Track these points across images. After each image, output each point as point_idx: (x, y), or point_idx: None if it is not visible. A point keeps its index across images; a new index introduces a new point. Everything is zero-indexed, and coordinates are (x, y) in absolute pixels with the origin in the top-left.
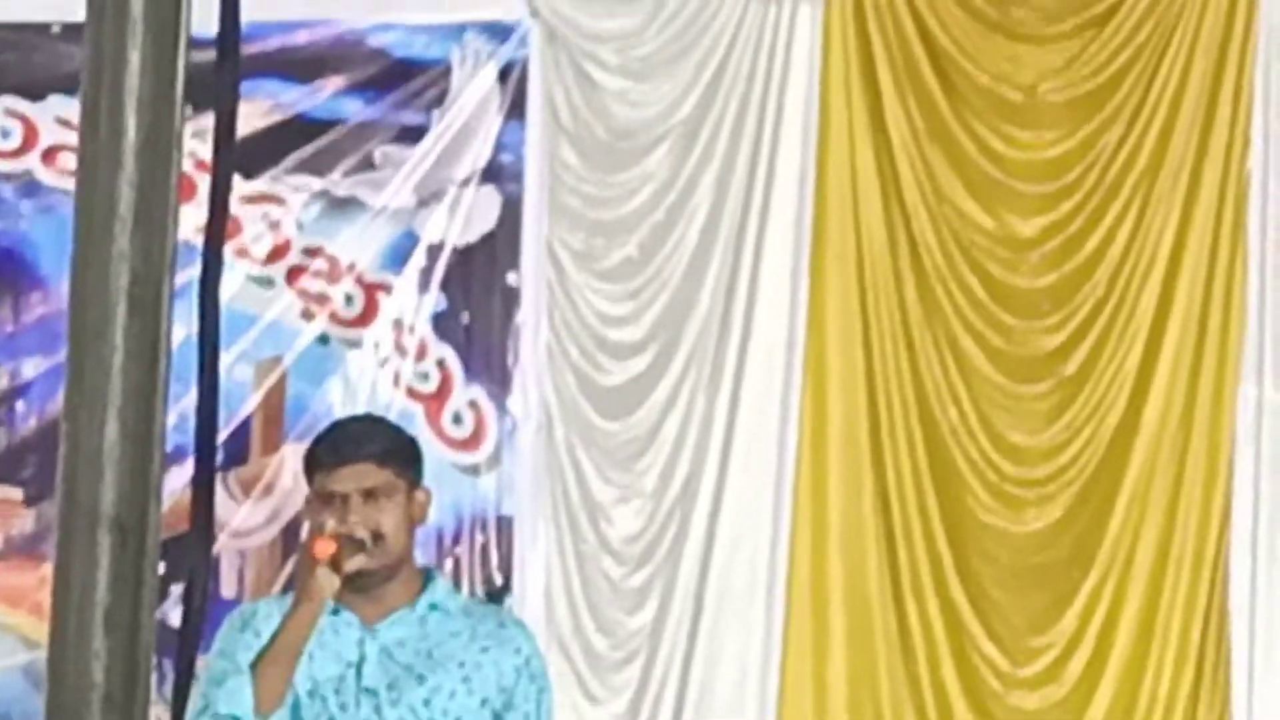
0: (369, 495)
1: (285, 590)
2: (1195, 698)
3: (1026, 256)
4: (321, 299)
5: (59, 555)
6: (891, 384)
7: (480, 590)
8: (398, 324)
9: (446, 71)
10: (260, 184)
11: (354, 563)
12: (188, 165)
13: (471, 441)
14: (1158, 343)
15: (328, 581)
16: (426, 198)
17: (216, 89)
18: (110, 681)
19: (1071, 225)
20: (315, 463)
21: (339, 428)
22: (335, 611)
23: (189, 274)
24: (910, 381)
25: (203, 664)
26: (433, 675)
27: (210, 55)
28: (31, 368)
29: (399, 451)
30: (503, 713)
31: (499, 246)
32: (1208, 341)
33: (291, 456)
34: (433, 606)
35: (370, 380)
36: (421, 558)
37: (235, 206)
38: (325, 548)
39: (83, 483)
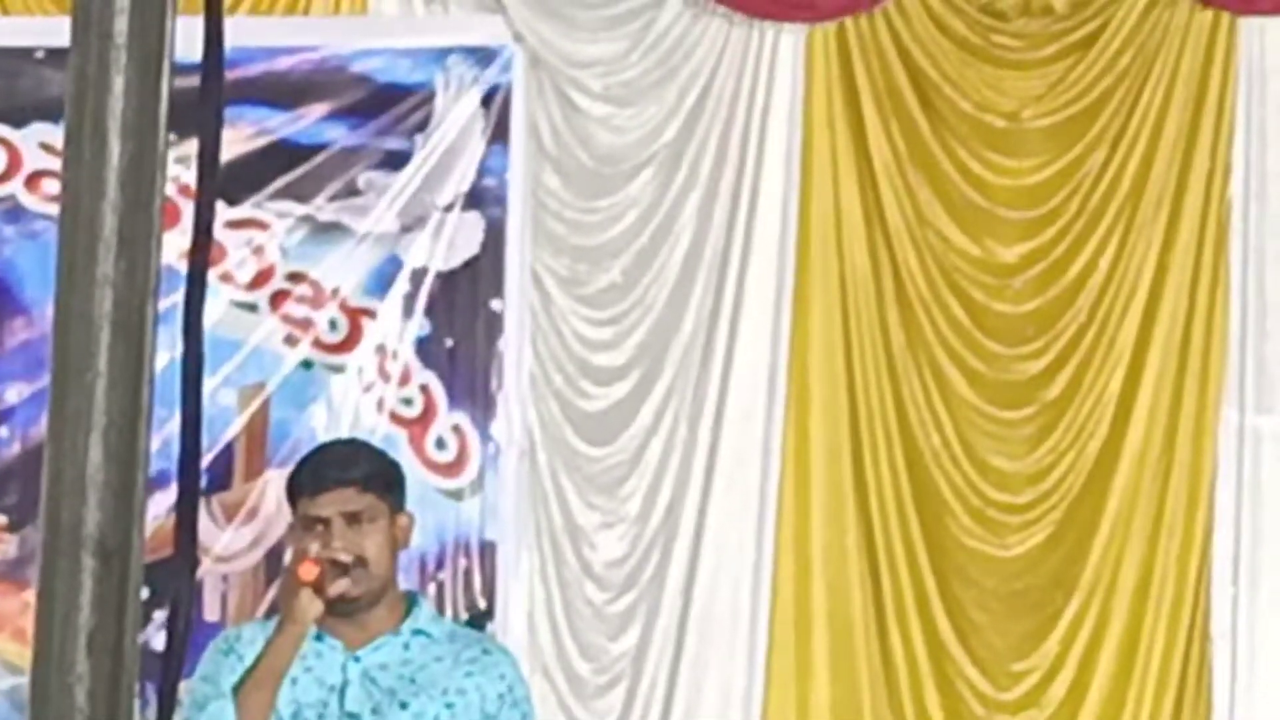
0: (352, 520)
1: (269, 615)
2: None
3: (1009, 282)
4: (305, 324)
5: (42, 579)
6: (874, 409)
7: (463, 615)
8: (381, 349)
9: (430, 97)
10: (244, 209)
11: (337, 587)
12: (171, 190)
13: (455, 466)
14: (1140, 368)
15: (311, 605)
16: (410, 223)
17: (200, 114)
18: (94, 706)
19: (1054, 251)
20: (298, 487)
21: (321, 452)
22: (319, 637)
23: (173, 299)
24: (893, 407)
25: (185, 689)
26: (416, 700)
27: (194, 81)
28: (14, 393)
29: (382, 476)
30: None
31: (482, 271)
32: (1190, 367)
33: (275, 482)
34: (416, 632)
35: (354, 405)
36: (405, 582)
37: (219, 232)
38: (309, 571)
39: (66, 507)
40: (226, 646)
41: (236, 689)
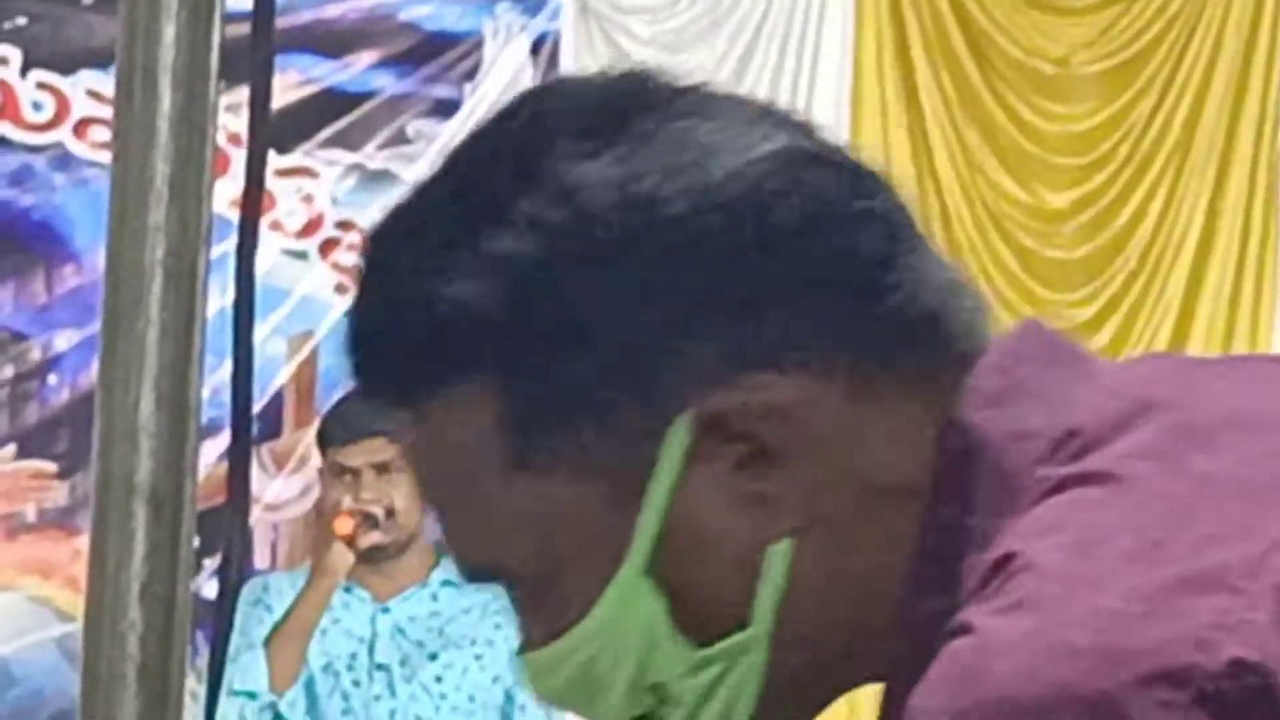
0: (382, 470)
1: None
2: None
3: (1059, 229)
4: (355, 273)
5: (94, 528)
6: None
7: None
8: None
9: (479, 45)
10: (294, 158)
11: (369, 539)
12: (220, 139)
13: None
14: (1190, 315)
15: (342, 557)
16: None
17: (250, 62)
18: (146, 653)
19: (1104, 198)
20: (327, 437)
21: (350, 400)
22: (347, 588)
23: (222, 248)
24: None
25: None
26: (445, 652)
27: (244, 29)
28: (64, 340)
29: None
30: (514, 689)
31: None
32: (1240, 313)
33: None
34: (445, 583)
35: None
36: (436, 528)
37: (269, 180)
38: (344, 525)
39: (118, 455)
40: (254, 597)
41: (267, 641)
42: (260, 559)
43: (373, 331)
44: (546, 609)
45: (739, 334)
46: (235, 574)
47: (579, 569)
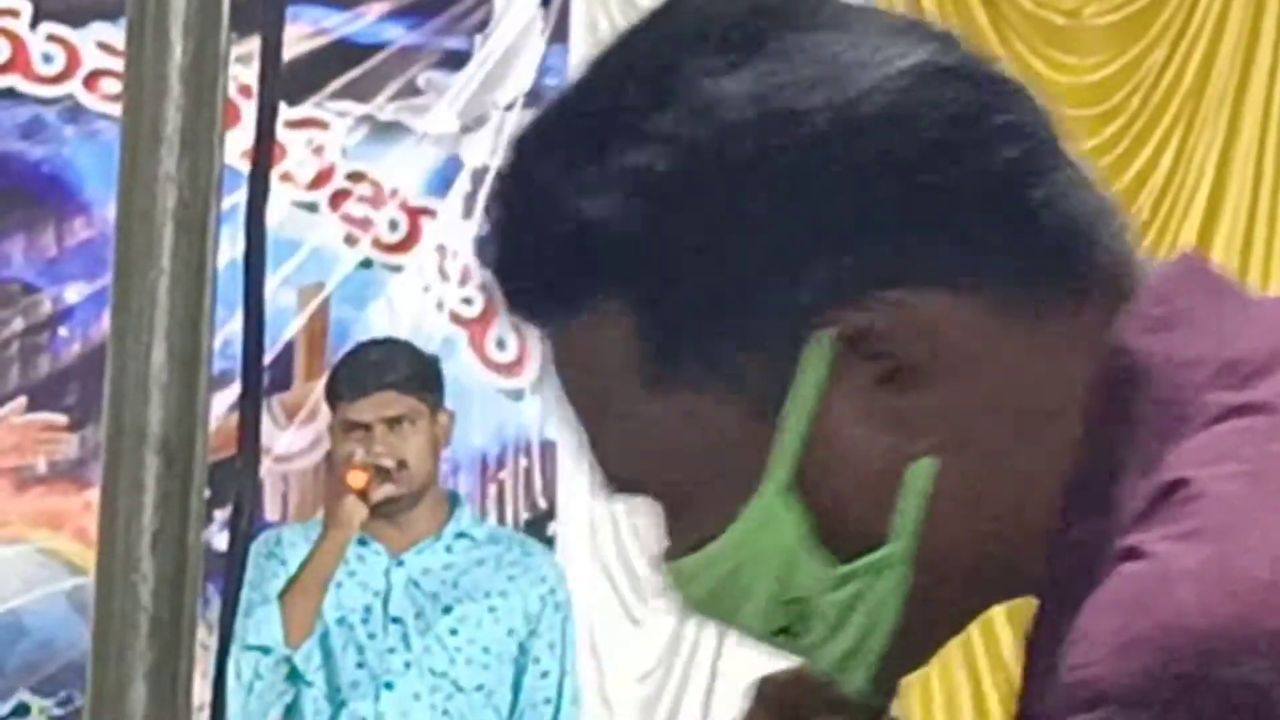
0: (393, 423)
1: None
2: None
3: None
4: (365, 224)
5: (105, 478)
6: None
7: (524, 515)
8: (441, 249)
9: None
10: (304, 109)
11: (382, 492)
12: (231, 90)
13: (515, 366)
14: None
15: (356, 510)
16: (470, 123)
17: (262, 14)
18: (157, 604)
19: (1115, 149)
20: (336, 392)
21: (359, 355)
22: (361, 541)
23: (233, 200)
24: None
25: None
26: (459, 604)
27: None
28: (74, 293)
29: (420, 376)
30: (528, 642)
31: None
32: (1252, 263)
33: None
34: (459, 535)
35: (413, 305)
36: (466, 483)
37: (279, 132)
38: (358, 479)
39: (129, 406)
40: (267, 551)
41: (282, 595)
42: (271, 510)
43: (511, 248)
44: (688, 522)
45: (880, 250)
46: (246, 525)
47: (719, 484)
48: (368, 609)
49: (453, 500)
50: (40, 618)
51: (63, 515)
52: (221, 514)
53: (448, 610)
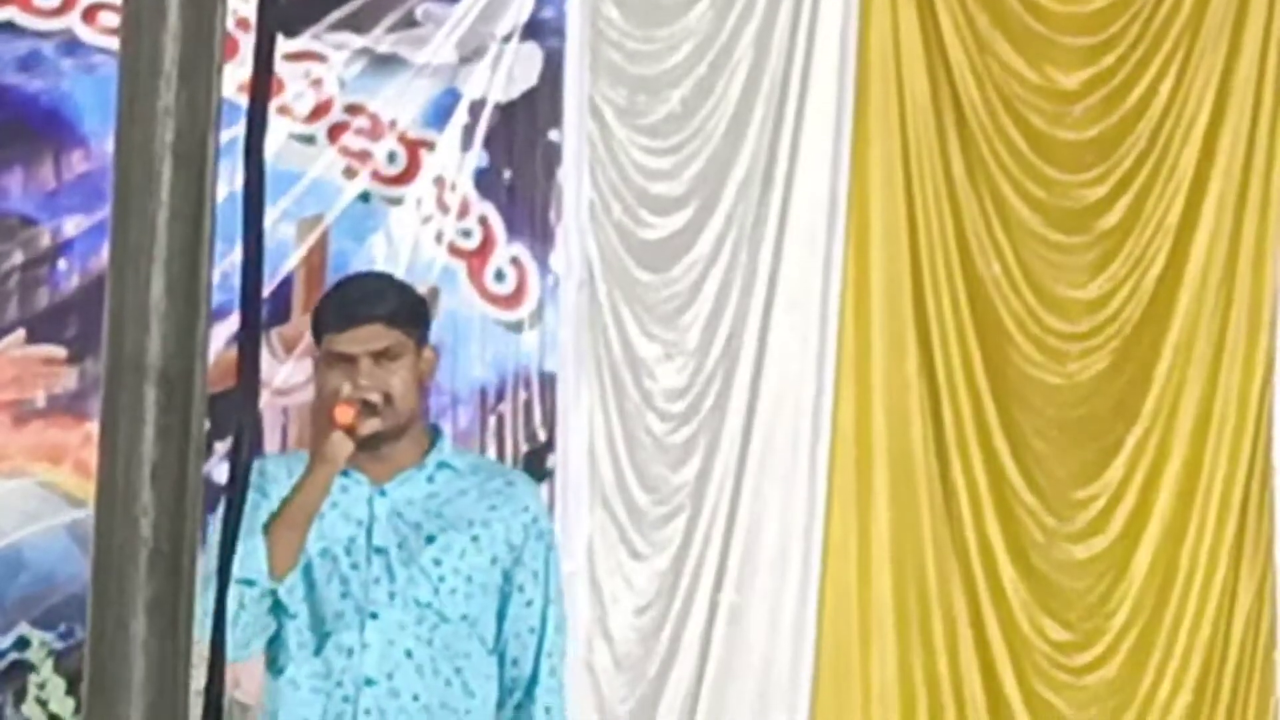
0: (379, 357)
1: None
2: (1238, 550)
3: (1069, 109)
4: (364, 156)
5: (105, 410)
6: (934, 238)
7: (523, 447)
8: (440, 181)
9: None
10: (301, 42)
11: (368, 427)
12: (229, 24)
13: (514, 298)
14: (1200, 195)
15: (343, 444)
16: (468, 54)
17: None
18: (158, 536)
19: (1114, 78)
20: (323, 324)
21: (346, 288)
22: (344, 472)
23: (231, 133)
24: (953, 234)
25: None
26: (443, 534)
27: None
28: (73, 226)
29: (407, 310)
30: (512, 570)
31: (541, 103)
32: (1250, 194)
33: None
34: (441, 465)
35: (412, 238)
36: (465, 416)
37: (277, 64)
38: (345, 414)
39: (129, 337)
40: (252, 483)
41: (265, 528)
42: (270, 443)
43: None
44: None
45: None
46: (246, 457)
47: None
48: (351, 540)
49: (434, 432)
50: (40, 551)
51: (62, 448)
52: (221, 446)
53: (431, 540)
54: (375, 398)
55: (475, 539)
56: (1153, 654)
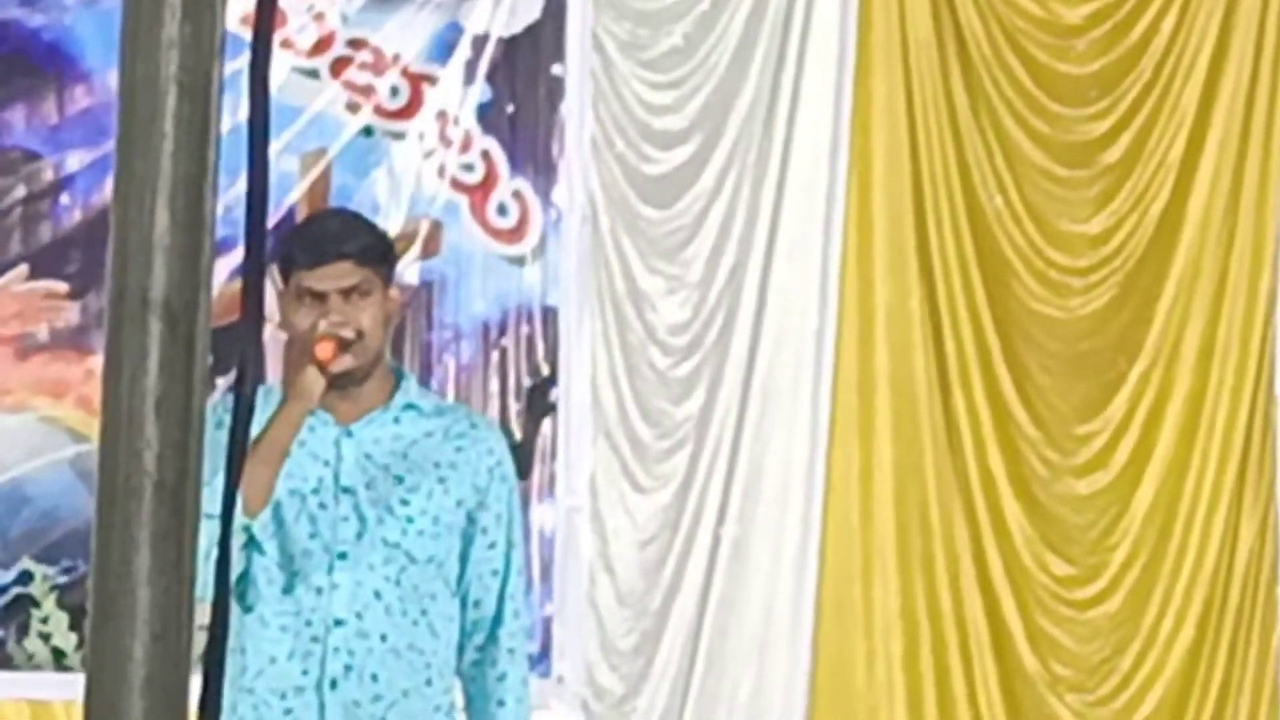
0: (348, 294)
1: None
2: (1241, 485)
3: (1073, 43)
4: (366, 91)
5: (109, 343)
6: (937, 171)
7: (526, 382)
8: (442, 115)
9: None
10: None
11: (340, 364)
12: None
13: (516, 232)
14: (1203, 132)
15: (317, 382)
16: None
17: None
18: (162, 469)
19: (1118, 11)
20: (292, 260)
21: (316, 225)
22: (310, 411)
23: (234, 66)
24: (956, 169)
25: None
26: (409, 475)
27: None
28: (76, 160)
29: (376, 248)
30: (476, 513)
31: (544, 37)
32: (1253, 128)
33: None
34: (407, 406)
35: (414, 172)
36: (468, 350)
37: None
38: (324, 350)
39: (132, 271)
40: (217, 420)
41: None
42: (273, 376)
43: None
44: None
45: None
46: (250, 390)
47: None
48: (319, 480)
49: (398, 374)
50: (43, 486)
51: (65, 383)
52: (224, 381)
53: (399, 481)
54: (349, 334)
55: (442, 481)
56: (1155, 589)
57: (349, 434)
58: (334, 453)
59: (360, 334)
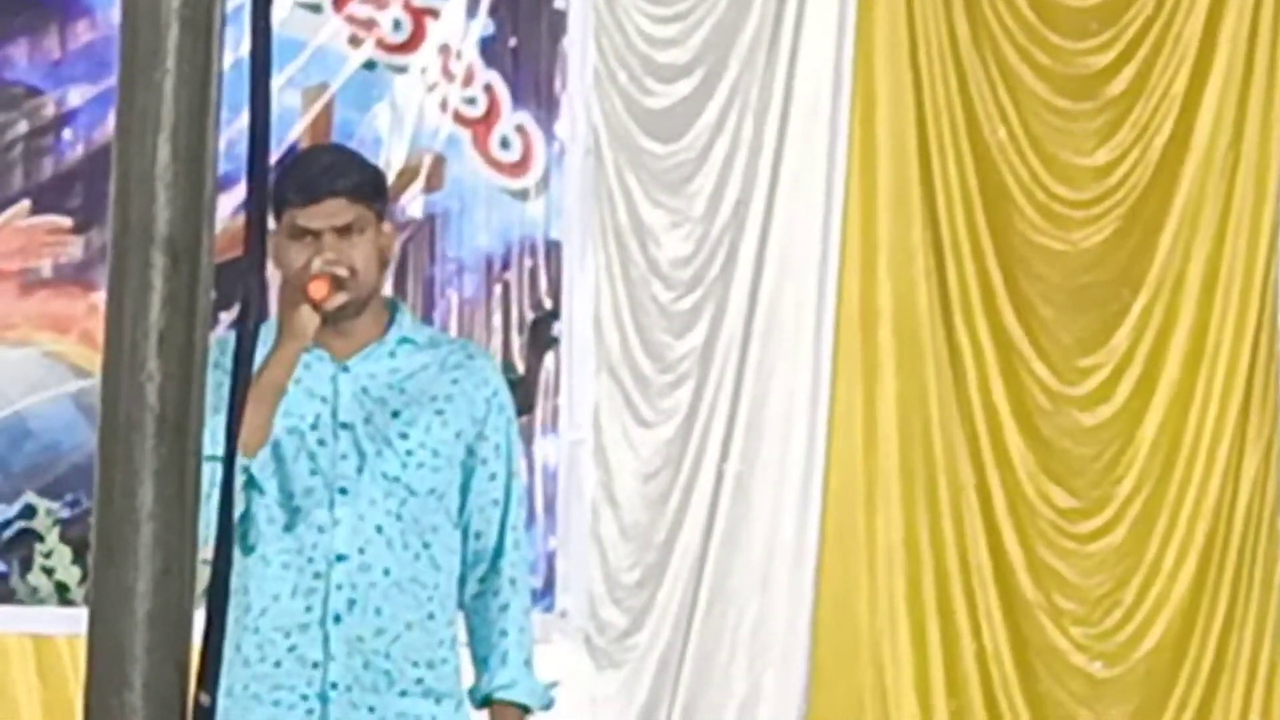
0: (342, 232)
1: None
2: (1244, 417)
3: None
4: (369, 24)
5: (112, 278)
6: (940, 105)
7: (529, 316)
8: (445, 49)
9: None
10: None
11: (334, 301)
12: None
13: (519, 166)
14: (1207, 62)
15: (311, 321)
16: None
17: None
18: (164, 403)
19: None
20: (285, 198)
21: (308, 162)
22: (305, 349)
23: (235, 2)
24: (959, 101)
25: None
26: (407, 409)
27: None
28: (78, 95)
29: (370, 185)
30: (475, 444)
31: None
32: (1257, 60)
33: None
34: (402, 340)
35: (417, 106)
36: (470, 284)
37: None
38: (319, 289)
39: (135, 204)
40: (213, 360)
41: None
42: (274, 312)
43: None
44: None
45: None
46: (253, 326)
47: None
48: (317, 416)
49: (392, 307)
50: (46, 420)
51: (68, 318)
52: (226, 316)
53: (397, 415)
54: (343, 272)
55: (440, 413)
56: (1159, 521)
57: (345, 369)
58: (331, 389)
59: (354, 272)
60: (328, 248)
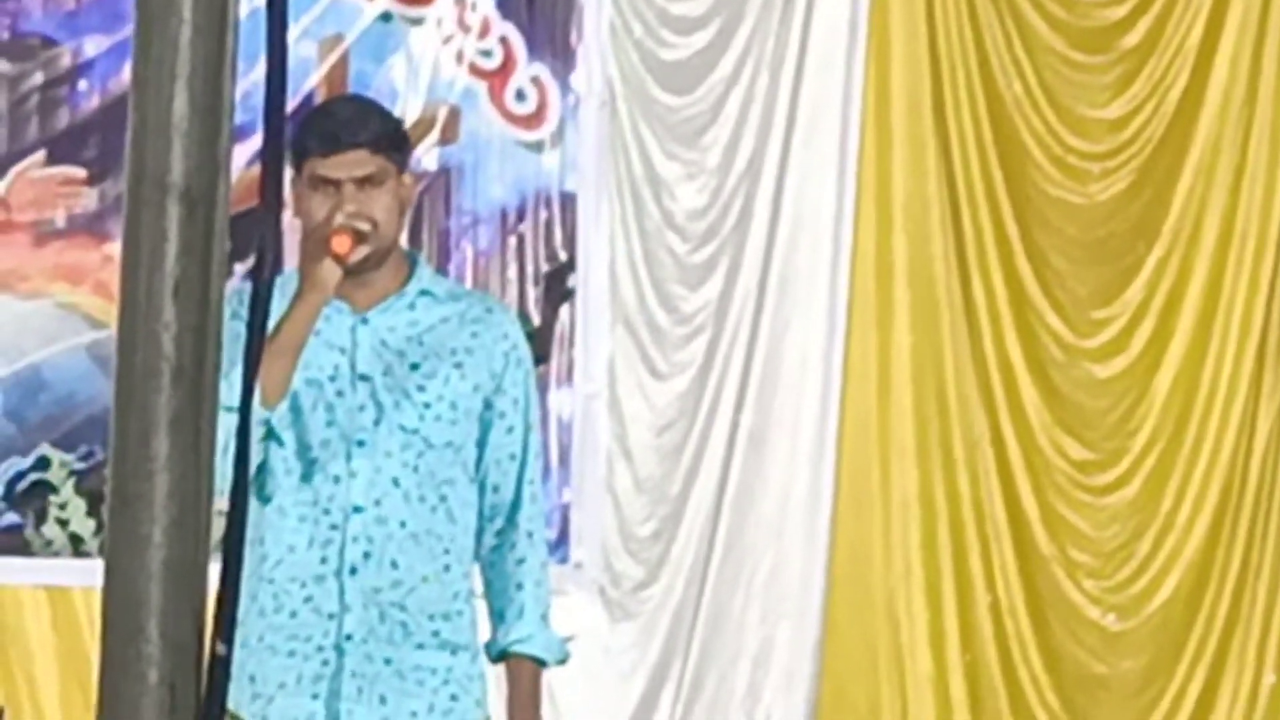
0: (362, 183)
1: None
2: (1259, 371)
3: None
4: None
5: (127, 227)
6: (955, 56)
7: (544, 268)
8: (460, 1)
9: None
10: None
11: (356, 253)
12: None
13: (535, 118)
14: (1221, 14)
15: (332, 271)
16: None
17: None
18: (180, 353)
19: None
20: (305, 148)
21: (329, 113)
22: (326, 301)
23: None
24: (974, 53)
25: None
26: (426, 362)
27: None
28: (94, 46)
29: (390, 136)
30: (493, 398)
31: None
32: (1272, 12)
33: None
34: (421, 292)
35: (433, 58)
36: (485, 236)
37: None
38: (342, 243)
39: (151, 154)
40: (231, 310)
41: None
42: (290, 263)
43: None
44: None
45: None
46: (268, 275)
47: None
48: (335, 368)
49: (412, 259)
50: (61, 371)
51: (82, 269)
52: (242, 267)
53: (415, 368)
54: (364, 225)
55: (459, 366)
56: (1173, 474)
57: (365, 321)
58: (350, 340)
59: (375, 224)
60: (348, 199)
